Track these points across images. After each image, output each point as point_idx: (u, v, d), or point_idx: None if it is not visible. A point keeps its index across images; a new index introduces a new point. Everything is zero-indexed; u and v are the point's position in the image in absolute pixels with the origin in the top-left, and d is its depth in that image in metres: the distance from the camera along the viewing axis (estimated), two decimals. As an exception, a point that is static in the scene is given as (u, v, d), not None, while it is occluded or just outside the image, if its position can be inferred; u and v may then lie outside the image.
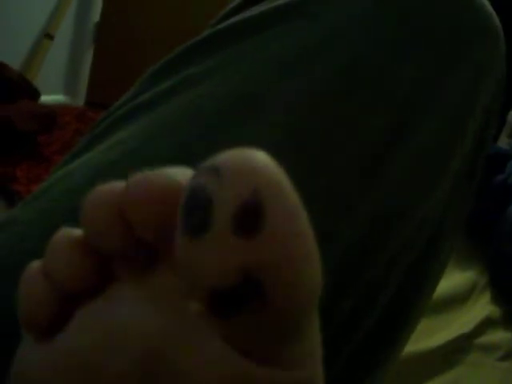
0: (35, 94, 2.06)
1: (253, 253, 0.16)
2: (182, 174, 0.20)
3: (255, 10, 0.39)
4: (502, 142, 1.06)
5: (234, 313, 0.17)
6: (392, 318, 0.39)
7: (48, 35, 2.44)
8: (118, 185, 0.21)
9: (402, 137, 0.37)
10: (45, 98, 2.21)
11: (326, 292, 0.20)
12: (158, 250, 0.21)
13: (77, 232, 0.22)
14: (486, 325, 0.77)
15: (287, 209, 0.17)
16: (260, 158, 0.17)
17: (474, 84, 0.40)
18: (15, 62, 2.20)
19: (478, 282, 0.83)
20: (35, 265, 0.22)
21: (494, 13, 0.41)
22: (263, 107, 0.35)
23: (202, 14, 2.41)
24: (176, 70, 0.39)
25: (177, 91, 0.37)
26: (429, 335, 0.71)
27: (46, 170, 1.80)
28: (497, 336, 0.76)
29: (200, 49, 0.39)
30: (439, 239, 0.41)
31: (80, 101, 2.75)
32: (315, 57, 0.36)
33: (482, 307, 0.80)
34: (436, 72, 0.38)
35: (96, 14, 2.74)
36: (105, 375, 0.20)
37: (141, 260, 0.21)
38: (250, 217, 0.16)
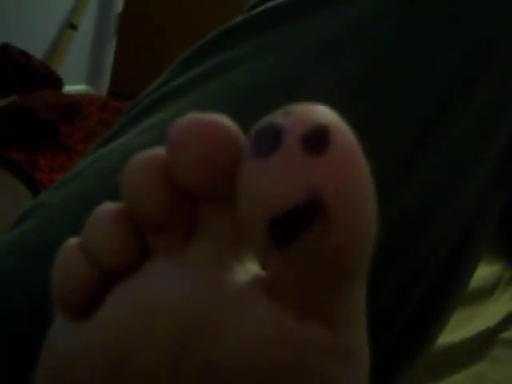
0: (59, 83, 2.07)
1: (318, 169, 0.17)
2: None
3: None
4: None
5: (294, 237, 0.17)
6: (431, 304, 0.39)
7: (71, 25, 2.45)
8: (158, 148, 0.21)
9: (441, 123, 0.36)
10: (68, 88, 2.22)
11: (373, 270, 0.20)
12: (198, 219, 0.21)
13: (117, 205, 0.21)
14: (510, 320, 0.76)
15: (349, 139, 0.18)
16: (323, 106, 0.19)
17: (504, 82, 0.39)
18: (39, 52, 2.21)
19: (503, 275, 0.82)
20: (72, 241, 0.22)
21: None
22: (298, 95, 0.35)
23: (225, 6, 2.41)
24: (209, 56, 0.38)
25: (209, 77, 0.37)
26: (453, 329, 0.71)
27: (69, 159, 1.81)
28: (522, 331, 0.75)
29: (234, 34, 0.39)
30: (473, 232, 0.40)
31: (103, 91, 2.76)
32: (353, 42, 0.36)
33: (507, 301, 0.79)
34: (474, 62, 0.37)
35: (119, 5, 2.75)
36: (142, 354, 0.20)
37: (180, 232, 0.21)
38: (316, 139, 0.18)
